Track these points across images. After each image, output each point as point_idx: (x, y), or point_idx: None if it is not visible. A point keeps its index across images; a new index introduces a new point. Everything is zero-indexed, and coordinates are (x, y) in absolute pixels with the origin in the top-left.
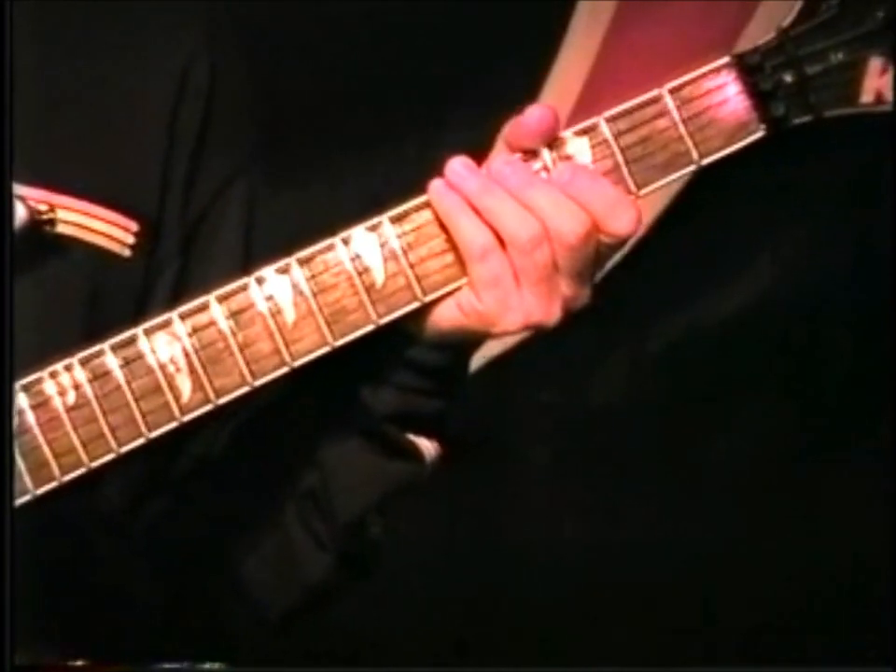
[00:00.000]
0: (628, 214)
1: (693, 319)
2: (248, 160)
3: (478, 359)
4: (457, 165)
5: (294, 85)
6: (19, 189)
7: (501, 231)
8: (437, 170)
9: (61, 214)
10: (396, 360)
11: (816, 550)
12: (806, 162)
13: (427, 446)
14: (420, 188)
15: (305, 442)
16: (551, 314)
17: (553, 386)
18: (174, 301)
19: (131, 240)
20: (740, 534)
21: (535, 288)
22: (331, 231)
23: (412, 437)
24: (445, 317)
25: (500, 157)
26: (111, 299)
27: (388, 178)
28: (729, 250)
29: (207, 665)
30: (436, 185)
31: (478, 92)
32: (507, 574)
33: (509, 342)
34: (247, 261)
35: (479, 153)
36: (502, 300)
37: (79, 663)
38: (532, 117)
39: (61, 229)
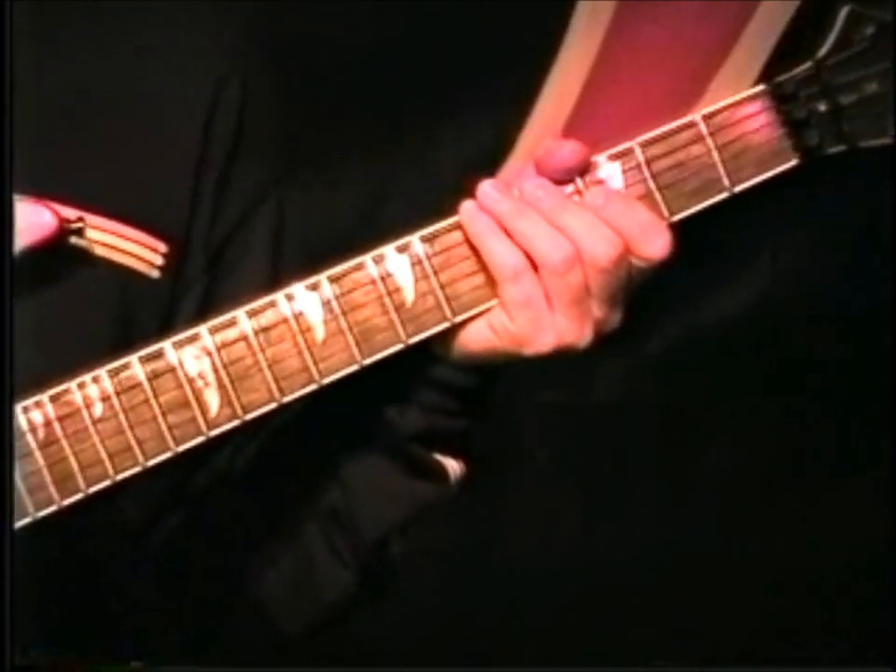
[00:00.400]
0: (661, 238)
1: (692, 319)
2: (277, 178)
3: None
4: (489, 187)
5: (323, 100)
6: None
7: (534, 253)
8: (437, 173)
9: (91, 233)
10: (422, 380)
11: (816, 549)
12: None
13: (453, 465)
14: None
15: (330, 460)
16: (582, 335)
17: (553, 386)
18: (198, 319)
19: (160, 261)
20: (740, 533)
21: (567, 310)
22: (359, 248)
23: (437, 456)
24: (476, 338)
25: (533, 180)
26: (137, 317)
27: (388, 177)
28: (729, 250)
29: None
30: (467, 206)
31: (478, 92)
32: (506, 574)
33: None
34: (274, 281)
35: (479, 153)
36: (535, 321)
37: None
38: (566, 150)
39: (90, 246)
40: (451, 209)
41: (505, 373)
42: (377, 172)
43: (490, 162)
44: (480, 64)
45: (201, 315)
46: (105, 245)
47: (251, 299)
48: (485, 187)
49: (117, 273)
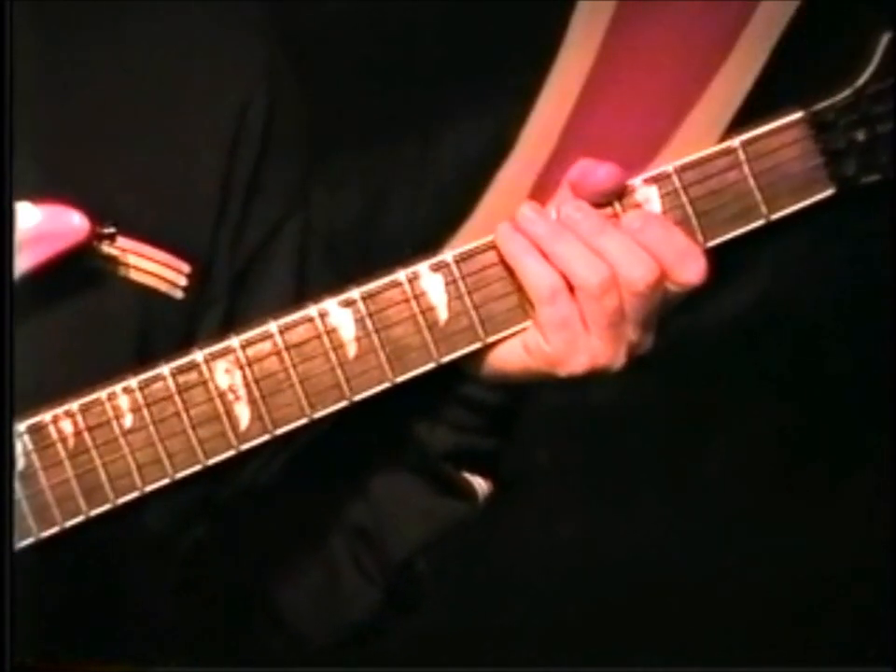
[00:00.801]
0: (697, 264)
1: (693, 319)
2: (301, 197)
3: None
4: (528, 210)
5: (328, 101)
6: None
7: (571, 276)
8: (437, 173)
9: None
10: (453, 398)
11: (816, 549)
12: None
13: (481, 484)
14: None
15: (358, 477)
16: (616, 358)
17: (552, 386)
18: (218, 340)
19: (183, 282)
20: (740, 534)
21: (602, 333)
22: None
23: (466, 475)
24: (509, 358)
25: (571, 202)
26: (157, 335)
27: (388, 177)
28: (729, 250)
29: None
30: (503, 228)
31: (478, 92)
32: (506, 574)
33: None
34: (298, 304)
35: (479, 153)
36: (570, 342)
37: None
38: (602, 173)
39: (121, 255)
40: (460, 213)
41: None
42: (377, 172)
43: (490, 162)
44: (480, 64)
45: (221, 335)
46: (128, 265)
47: (277, 316)
48: (524, 209)
49: (137, 291)
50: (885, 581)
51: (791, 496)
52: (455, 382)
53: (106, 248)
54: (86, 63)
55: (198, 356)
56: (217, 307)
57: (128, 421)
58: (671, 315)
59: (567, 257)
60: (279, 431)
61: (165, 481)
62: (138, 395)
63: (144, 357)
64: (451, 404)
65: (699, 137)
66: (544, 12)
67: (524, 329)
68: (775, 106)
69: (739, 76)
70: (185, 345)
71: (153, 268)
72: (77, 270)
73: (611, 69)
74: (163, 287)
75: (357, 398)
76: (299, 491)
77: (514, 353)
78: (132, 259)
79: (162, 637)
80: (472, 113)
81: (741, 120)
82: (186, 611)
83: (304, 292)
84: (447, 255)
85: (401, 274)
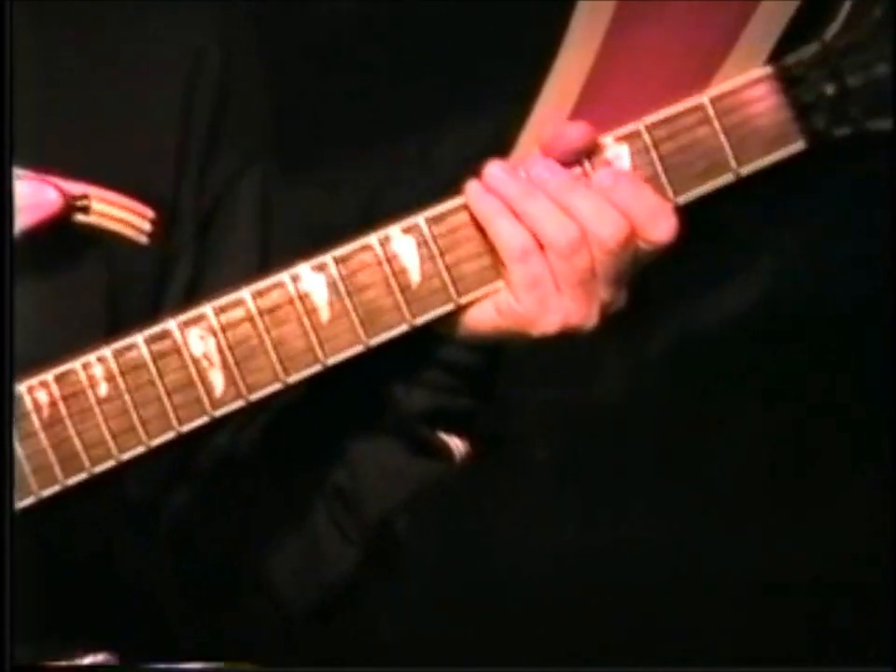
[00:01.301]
0: (667, 222)
1: (693, 319)
2: (261, 147)
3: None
4: (496, 169)
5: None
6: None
7: (541, 235)
8: (437, 173)
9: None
10: (427, 359)
11: (816, 549)
12: (807, 162)
13: (457, 444)
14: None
15: (334, 440)
16: (588, 316)
17: (553, 385)
18: (191, 288)
19: (147, 227)
20: (740, 533)
21: (573, 292)
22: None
23: (442, 435)
24: (482, 319)
25: (540, 161)
26: (129, 288)
27: (388, 177)
28: (729, 250)
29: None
30: (474, 187)
31: (478, 92)
32: (505, 573)
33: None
34: (265, 248)
35: (479, 153)
36: (541, 301)
37: (80, 662)
38: (573, 132)
39: (97, 222)
40: (456, 190)
41: (505, 372)
42: (377, 171)
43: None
44: (480, 64)
45: (193, 284)
46: (94, 211)
47: (242, 268)
48: (492, 168)
49: (103, 250)
50: (885, 581)
51: (791, 495)
52: (430, 343)
53: (82, 217)
54: (41, 18)
55: (171, 323)
56: (185, 258)
57: (102, 390)
58: (645, 277)
59: (537, 216)
60: (253, 397)
61: (141, 449)
62: (112, 363)
63: (116, 315)
64: (426, 365)
65: None
66: (544, 12)
67: (497, 290)
68: None
69: (740, 75)
70: (157, 298)
71: (117, 213)
72: (45, 236)
73: (611, 69)
74: (129, 232)
75: (331, 361)
76: (276, 455)
77: (486, 313)
78: (97, 206)
79: (149, 610)
80: (472, 113)
81: None
82: (173, 584)
83: (268, 243)
84: (418, 217)
85: (373, 238)
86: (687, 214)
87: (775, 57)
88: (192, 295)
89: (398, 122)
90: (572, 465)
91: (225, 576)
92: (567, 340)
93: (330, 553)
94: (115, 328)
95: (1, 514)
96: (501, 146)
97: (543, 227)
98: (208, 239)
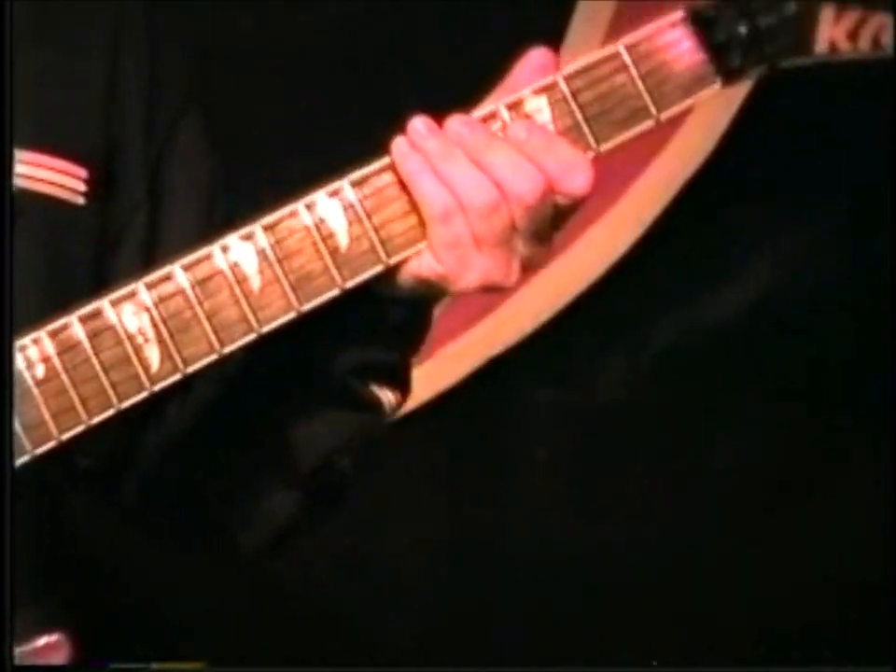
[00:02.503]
0: (583, 175)
1: (693, 319)
2: (197, 93)
3: (478, 358)
4: (419, 125)
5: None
6: None
7: (459, 196)
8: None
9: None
10: (355, 315)
11: (816, 549)
12: (807, 161)
13: (388, 396)
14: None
15: (272, 398)
16: (509, 274)
17: (552, 386)
18: (150, 244)
19: (82, 187)
20: (741, 533)
21: (493, 251)
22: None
23: (373, 388)
24: (404, 276)
25: (457, 116)
26: (72, 250)
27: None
28: (729, 250)
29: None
30: (399, 144)
31: (478, 92)
32: (506, 573)
33: (509, 341)
34: (214, 194)
35: None
36: (461, 260)
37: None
38: (539, 56)
39: (28, 185)
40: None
41: (505, 373)
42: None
43: None
44: (480, 64)
45: (150, 241)
46: (24, 176)
47: (196, 220)
48: (416, 124)
49: (43, 212)
50: (885, 582)
51: (791, 495)
52: (358, 300)
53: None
54: None
55: (104, 301)
56: (140, 215)
57: (39, 371)
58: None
59: (455, 177)
60: (190, 369)
61: (81, 427)
62: (48, 344)
63: (62, 275)
64: (355, 321)
65: (699, 137)
66: (544, 12)
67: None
68: None
69: None
70: (109, 259)
71: (49, 175)
72: None
73: None
74: (64, 194)
75: (265, 329)
76: (219, 423)
77: (409, 270)
78: (28, 171)
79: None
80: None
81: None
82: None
83: (216, 169)
84: (343, 180)
85: (299, 204)
86: (687, 213)
87: (687, 1)
88: (153, 244)
89: (397, 122)
90: (572, 465)
91: (183, 521)
92: (533, 335)
93: (274, 500)
94: (60, 296)
95: (2, 517)
96: None
97: (460, 189)
98: (158, 190)
